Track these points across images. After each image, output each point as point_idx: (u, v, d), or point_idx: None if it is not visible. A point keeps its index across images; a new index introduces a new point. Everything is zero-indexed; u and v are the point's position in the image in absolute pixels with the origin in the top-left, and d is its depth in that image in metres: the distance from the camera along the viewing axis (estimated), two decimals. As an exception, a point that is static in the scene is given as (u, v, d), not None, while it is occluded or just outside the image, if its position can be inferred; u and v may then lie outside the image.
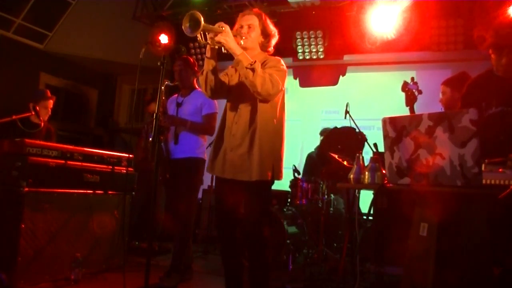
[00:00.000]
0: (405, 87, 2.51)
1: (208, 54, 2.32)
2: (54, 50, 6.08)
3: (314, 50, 5.74)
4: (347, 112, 3.79)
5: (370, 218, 3.59)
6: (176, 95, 3.48)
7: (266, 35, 2.44)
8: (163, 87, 3.03)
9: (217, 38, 2.18)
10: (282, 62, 2.42)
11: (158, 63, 2.58)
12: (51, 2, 5.53)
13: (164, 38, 5.94)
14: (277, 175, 2.39)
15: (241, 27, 2.41)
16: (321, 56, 5.77)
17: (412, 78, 2.52)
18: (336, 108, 5.97)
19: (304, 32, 5.61)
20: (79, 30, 5.93)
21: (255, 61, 2.19)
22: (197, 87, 3.47)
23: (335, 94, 6.07)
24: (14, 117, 3.34)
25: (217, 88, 2.41)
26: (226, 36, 2.17)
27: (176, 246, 3.24)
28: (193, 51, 6.43)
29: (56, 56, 6.20)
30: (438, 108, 3.28)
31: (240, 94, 2.41)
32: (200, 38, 2.20)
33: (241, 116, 2.39)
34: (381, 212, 3.07)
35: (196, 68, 3.46)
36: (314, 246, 3.96)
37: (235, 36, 2.27)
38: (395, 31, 4.91)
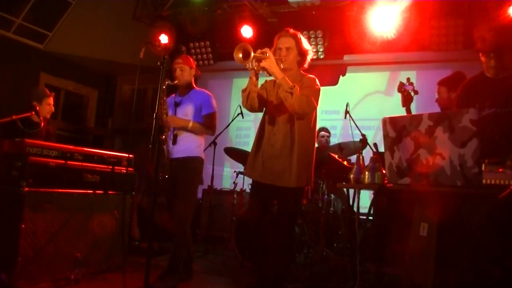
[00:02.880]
0: (400, 87, 2.51)
1: (252, 76, 2.62)
2: (54, 50, 6.08)
3: (314, 50, 5.73)
4: (347, 112, 3.80)
5: (370, 218, 3.59)
6: (174, 95, 3.44)
7: (302, 54, 2.72)
8: (164, 87, 3.04)
9: (262, 64, 2.48)
10: (317, 81, 2.71)
11: (158, 63, 2.58)
12: (51, 2, 5.53)
13: (164, 38, 5.95)
14: (309, 182, 2.71)
15: (280, 49, 2.69)
16: (321, 56, 5.77)
17: (408, 79, 2.52)
18: (336, 108, 5.97)
19: (304, 32, 5.60)
20: (79, 30, 5.93)
21: (294, 85, 2.48)
22: (195, 86, 3.43)
23: (335, 94, 6.06)
24: (14, 117, 3.33)
25: (256, 105, 2.72)
26: (270, 62, 2.48)
27: (174, 246, 3.18)
28: (193, 51, 6.43)
29: (56, 56, 6.20)
30: (438, 108, 3.28)
31: (278, 108, 2.70)
32: (248, 65, 2.51)
33: (280, 128, 2.67)
34: (381, 212, 3.07)
35: (195, 67, 3.43)
36: (314, 246, 3.96)
37: (276, 60, 2.57)
38: (395, 31, 4.90)
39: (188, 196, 3.20)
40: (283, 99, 2.54)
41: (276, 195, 2.69)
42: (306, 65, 2.79)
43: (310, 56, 2.78)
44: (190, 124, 3.18)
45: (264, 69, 2.50)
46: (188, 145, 3.24)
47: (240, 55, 2.46)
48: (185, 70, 3.32)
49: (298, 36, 2.72)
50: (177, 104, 3.30)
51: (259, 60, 2.49)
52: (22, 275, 2.78)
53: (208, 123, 3.28)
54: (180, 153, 3.23)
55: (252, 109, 2.76)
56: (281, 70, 2.56)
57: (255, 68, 2.51)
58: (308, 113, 2.63)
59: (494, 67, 2.38)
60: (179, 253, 3.14)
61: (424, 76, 5.41)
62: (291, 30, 2.73)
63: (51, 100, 3.82)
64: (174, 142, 3.22)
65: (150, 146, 3.21)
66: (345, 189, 3.89)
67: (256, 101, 2.69)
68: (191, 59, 3.42)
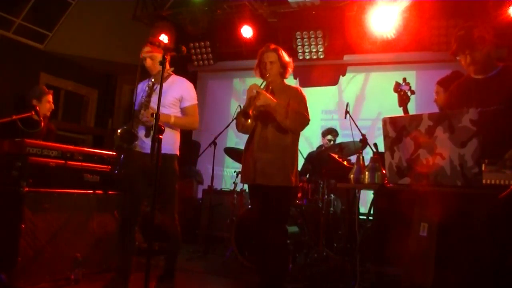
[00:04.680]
0: (397, 87, 2.50)
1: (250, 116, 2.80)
2: (54, 50, 6.07)
3: (314, 50, 5.73)
4: (347, 112, 3.80)
5: (370, 218, 3.59)
6: (148, 80, 3.04)
7: (284, 66, 2.97)
8: (148, 87, 2.88)
9: (258, 104, 2.73)
10: (302, 90, 2.98)
11: (158, 63, 2.57)
12: (51, 2, 5.52)
13: (164, 38, 5.94)
14: (297, 182, 2.95)
15: (264, 63, 2.94)
16: (321, 56, 5.77)
17: (404, 79, 2.51)
18: (336, 108, 5.98)
19: (304, 32, 5.60)
20: (79, 30, 5.92)
21: (287, 111, 2.74)
22: (171, 72, 3.13)
23: (335, 94, 6.07)
24: (14, 117, 3.33)
25: (250, 130, 2.95)
26: (263, 99, 2.73)
27: (169, 248, 3.06)
28: (193, 51, 6.43)
29: (56, 56, 6.20)
30: (437, 108, 3.28)
31: (265, 115, 2.87)
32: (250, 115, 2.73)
33: (268, 133, 2.87)
34: (381, 212, 3.07)
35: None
36: (314, 246, 3.96)
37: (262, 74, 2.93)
38: (395, 31, 4.90)
39: (174, 197, 3.01)
40: (280, 122, 2.78)
41: (268, 194, 2.83)
42: (287, 76, 3.03)
43: (291, 67, 3.02)
44: (172, 119, 2.92)
45: (262, 107, 2.76)
46: (165, 140, 2.84)
47: (243, 119, 2.73)
48: (156, 58, 2.98)
49: (280, 50, 2.97)
50: (152, 91, 2.94)
51: (254, 104, 2.73)
52: (22, 275, 2.78)
53: (191, 116, 3.05)
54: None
55: (245, 133, 3.02)
56: (268, 83, 2.87)
57: (255, 112, 2.77)
58: (300, 129, 2.91)
59: (472, 63, 2.37)
60: (175, 254, 3.07)
61: (424, 76, 5.41)
62: (273, 46, 2.99)
63: (50, 98, 3.81)
64: (148, 135, 2.87)
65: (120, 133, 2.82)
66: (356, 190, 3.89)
67: (251, 127, 2.92)
68: (162, 42, 3.12)
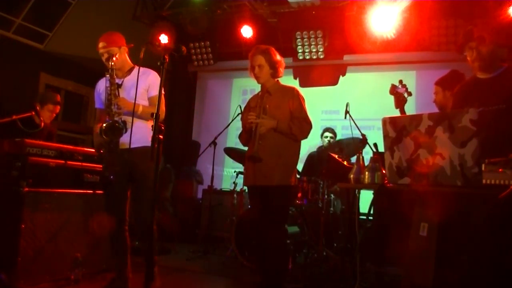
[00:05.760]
0: (393, 90, 2.49)
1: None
2: (54, 50, 6.07)
3: (314, 50, 5.73)
4: (347, 112, 3.79)
5: (370, 218, 3.59)
6: (106, 75, 2.89)
7: (273, 66, 2.96)
8: (108, 84, 2.78)
9: (261, 132, 2.82)
10: (299, 90, 3.00)
11: (158, 63, 2.56)
12: (51, 2, 5.52)
13: (164, 38, 5.95)
14: (296, 181, 3.01)
15: (253, 67, 2.97)
16: (321, 56, 5.77)
17: (400, 81, 2.51)
18: (336, 108, 5.97)
19: (304, 32, 5.60)
20: (79, 30, 5.92)
21: (291, 127, 2.85)
22: (131, 63, 3.03)
23: (335, 94, 6.06)
24: (14, 117, 3.34)
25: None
26: (264, 125, 2.84)
27: (148, 246, 2.83)
28: (193, 51, 6.43)
29: (56, 56, 6.20)
30: (437, 108, 3.28)
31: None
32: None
33: (267, 134, 2.88)
34: (381, 212, 3.07)
35: (124, 42, 2.97)
36: (314, 246, 3.96)
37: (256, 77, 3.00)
38: (395, 31, 4.90)
39: (152, 192, 2.81)
40: (286, 136, 2.88)
41: (268, 194, 2.86)
42: (280, 75, 3.02)
43: (283, 67, 3.02)
44: (140, 108, 2.81)
45: (265, 130, 2.84)
46: (142, 133, 2.85)
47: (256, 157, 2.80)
48: (113, 53, 2.87)
49: (267, 51, 2.95)
50: (119, 86, 2.84)
51: (259, 134, 2.82)
52: (22, 275, 2.78)
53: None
54: (136, 143, 2.81)
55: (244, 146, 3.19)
56: (262, 85, 2.99)
57: (260, 142, 2.83)
58: (308, 134, 2.95)
59: (477, 59, 2.35)
60: (154, 252, 2.94)
61: (424, 76, 5.41)
62: (261, 47, 2.98)
63: (53, 108, 3.77)
64: (125, 131, 2.78)
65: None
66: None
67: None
68: (115, 35, 2.96)
